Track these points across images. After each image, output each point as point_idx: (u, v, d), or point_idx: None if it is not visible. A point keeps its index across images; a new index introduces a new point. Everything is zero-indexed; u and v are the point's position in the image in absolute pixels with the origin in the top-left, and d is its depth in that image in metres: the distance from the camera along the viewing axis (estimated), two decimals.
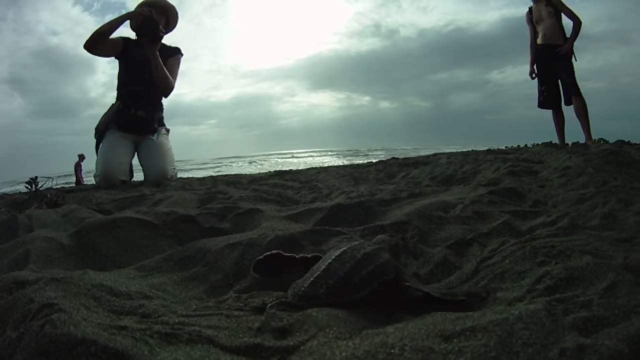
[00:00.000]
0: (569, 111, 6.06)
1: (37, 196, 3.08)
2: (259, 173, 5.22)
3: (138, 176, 4.58)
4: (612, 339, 0.73)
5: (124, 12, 4.32)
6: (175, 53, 4.58)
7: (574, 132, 6.10)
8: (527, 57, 6.38)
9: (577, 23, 5.93)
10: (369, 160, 7.35)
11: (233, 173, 5.77)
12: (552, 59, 6.00)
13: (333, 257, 1.03)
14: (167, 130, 4.67)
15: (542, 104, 6.28)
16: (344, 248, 1.07)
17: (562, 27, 6.09)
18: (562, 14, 6.06)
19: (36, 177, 3.60)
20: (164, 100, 4.64)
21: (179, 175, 4.82)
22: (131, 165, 4.39)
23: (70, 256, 1.51)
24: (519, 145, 8.45)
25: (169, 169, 4.32)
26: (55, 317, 0.69)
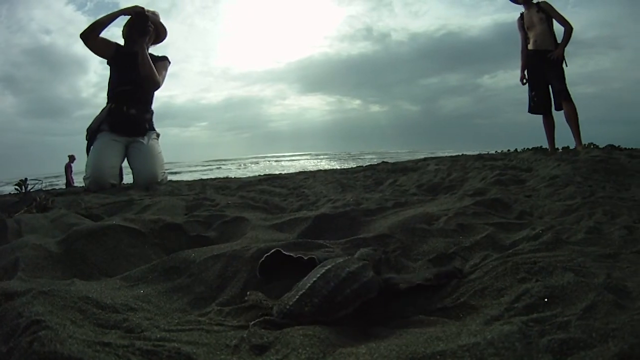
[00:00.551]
0: (559, 116, 6.11)
1: (26, 199, 3.10)
2: (248, 177, 5.26)
3: (127, 178, 4.62)
4: None
5: (116, 8, 4.58)
6: (163, 59, 4.80)
7: (564, 137, 6.15)
8: (519, 62, 6.44)
9: (568, 29, 5.99)
10: (359, 165, 7.39)
11: (222, 177, 5.80)
12: (543, 64, 6.04)
13: (318, 274, 1.06)
14: (158, 135, 4.78)
15: (532, 109, 6.31)
16: (329, 266, 1.10)
17: (553, 33, 6.15)
18: (554, 20, 6.12)
19: (26, 179, 3.62)
20: (154, 104, 4.78)
21: (168, 179, 4.88)
22: (121, 168, 4.46)
23: (58, 264, 1.54)
24: (509, 150, 8.53)
25: (158, 173, 4.40)
26: (42, 334, 0.74)
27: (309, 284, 1.03)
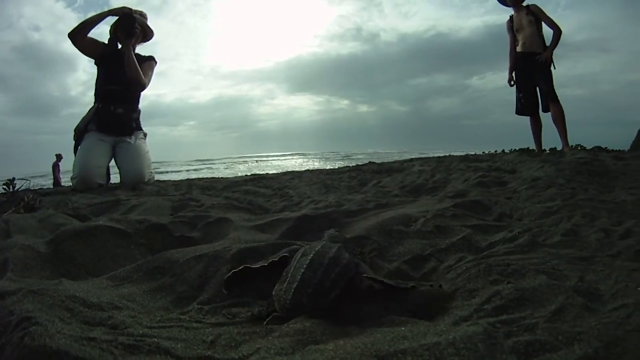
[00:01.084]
0: (546, 118, 6.13)
1: (14, 199, 3.14)
2: (235, 176, 5.32)
3: (115, 177, 4.66)
4: None
5: (106, 8, 4.69)
6: (149, 59, 4.87)
7: (551, 138, 6.19)
8: (507, 64, 6.47)
9: (557, 32, 6.02)
10: (347, 164, 7.44)
11: (209, 177, 5.84)
12: (531, 66, 6.05)
13: (305, 265, 1.18)
14: (145, 134, 4.83)
15: (519, 111, 6.33)
16: (311, 255, 1.22)
17: (542, 35, 6.17)
18: (543, 23, 6.14)
19: (14, 179, 3.66)
20: (141, 103, 4.84)
21: (156, 178, 4.93)
22: (108, 168, 4.48)
23: (47, 264, 1.59)
24: (496, 151, 8.60)
25: (145, 173, 4.46)
26: (33, 329, 0.81)
27: (299, 276, 1.15)
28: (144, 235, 1.97)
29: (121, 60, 4.46)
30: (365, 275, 1.29)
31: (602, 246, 1.56)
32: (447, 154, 8.39)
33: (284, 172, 5.92)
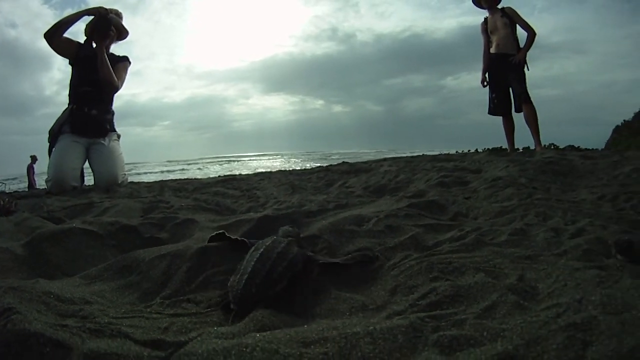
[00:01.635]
0: (519, 118, 6.27)
1: None
2: (207, 178, 5.44)
3: (89, 179, 4.76)
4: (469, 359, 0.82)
5: (83, 6, 4.74)
6: (123, 60, 4.95)
7: (527, 138, 6.31)
8: (482, 64, 6.60)
9: (531, 34, 6.16)
10: (320, 164, 7.59)
11: (182, 178, 5.94)
12: (505, 67, 6.18)
13: (255, 259, 1.35)
14: (118, 136, 4.91)
15: (492, 111, 6.48)
16: (262, 250, 1.40)
17: (516, 37, 6.30)
18: (517, 25, 6.28)
19: None
20: (115, 103, 4.93)
21: (129, 180, 5.03)
22: (82, 170, 4.58)
23: (23, 265, 1.71)
24: (468, 150, 8.82)
25: (119, 175, 4.57)
26: (14, 317, 0.97)
27: (249, 269, 1.31)
28: (115, 237, 2.09)
29: (95, 62, 4.53)
30: (320, 261, 1.51)
31: (549, 245, 1.60)
32: (421, 154, 8.56)
33: (255, 173, 6.03)
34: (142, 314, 1.19)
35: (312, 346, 0.89)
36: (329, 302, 1.30)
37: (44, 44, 4.48)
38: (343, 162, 6.87)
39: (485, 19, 6.53)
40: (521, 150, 6.51)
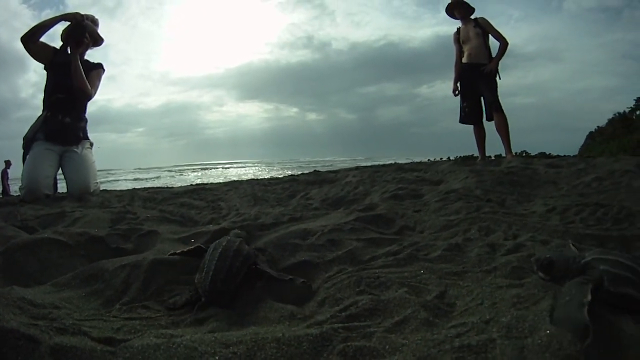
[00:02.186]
0: (490, 126, 6.35)
1: None
2: (179, 187, 5.61)
3: (62, 185, 4.84)
4: None
5: (61, 7, 4.77)
6: (97, 67, 4.98)
7: (499, 145, 6.44)
8: (453, 74, 6.69)
9: (504, 44, 6.30)
10: (290, 173, 7.69)
11: (154, 186, 6.02)
12: (476, 77, 6.28)
13: (217, 257, 1.60)
14: (91, 144, 5.00)
15: (463, 120, 6.57)
16: (220, 249, 1.65)
17: (489, 47, 6.43)
18: (490, 36, 6.40)
19: None
20: (89, 109, 4.98)
21: (102, 188, 5.16)
22: (55, 178, 4.67)
23: None
24: (441, 158, 9.04)
25: (91, 184, 4.65)
26: None
27: (213, 267, 1.56)
28: (84, 247, 2.22)
29: (70, 68, 4.58)
30: (259, 267, 1.69)
31: (480, 262, 1.63)
32: (393, 162, 8.70)
33: (225, 182, 6.15)
34: (101, 317, 1.44)
35: (230, 347, 1.03)
36: (264, 310, 1.42)
37: (21, 45, 4.53)
38: (314, 170, 7.01)
39: (458, 29, 6.63)
40: (493, 158, 6.69)
